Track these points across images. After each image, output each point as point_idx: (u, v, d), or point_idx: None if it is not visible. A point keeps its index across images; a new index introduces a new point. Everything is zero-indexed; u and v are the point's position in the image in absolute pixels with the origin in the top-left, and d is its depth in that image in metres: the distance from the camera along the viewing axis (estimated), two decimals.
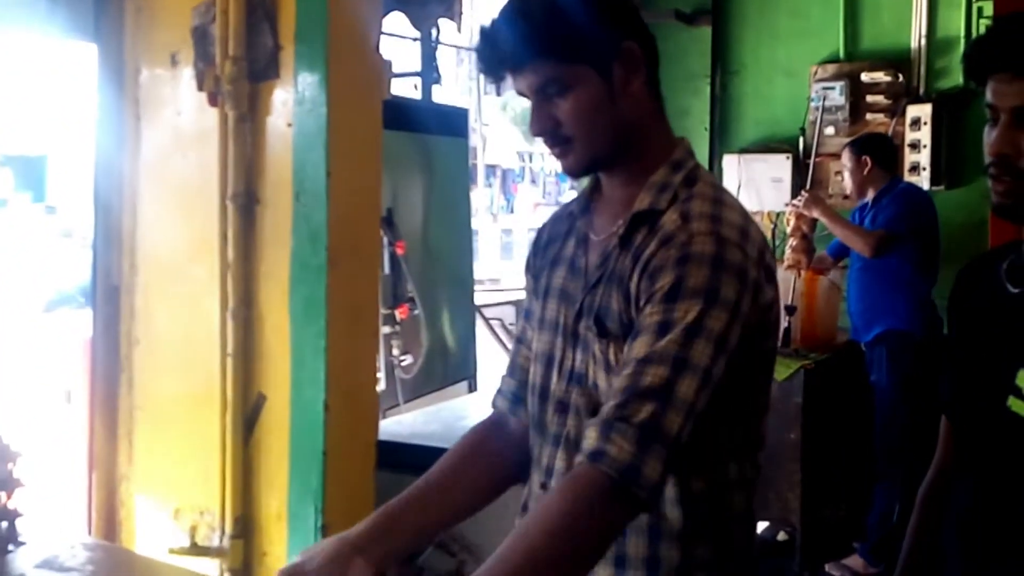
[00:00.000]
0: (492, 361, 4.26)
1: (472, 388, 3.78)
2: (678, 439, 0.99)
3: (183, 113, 2.13)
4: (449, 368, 3.76)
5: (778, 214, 4.28)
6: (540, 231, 1.29)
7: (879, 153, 3.58)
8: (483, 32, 1.14)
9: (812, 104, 4.16)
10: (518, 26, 1.11)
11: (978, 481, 1.14)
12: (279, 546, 1.98)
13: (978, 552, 1.13)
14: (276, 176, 2.00)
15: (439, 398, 3.49)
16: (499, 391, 1.32)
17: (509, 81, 1.15)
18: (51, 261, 7.12)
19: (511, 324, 4.64)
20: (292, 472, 1.98)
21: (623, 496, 0.97)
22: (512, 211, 24.76)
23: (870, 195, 3.54)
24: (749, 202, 4.40)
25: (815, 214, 3.60)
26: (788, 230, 3.72)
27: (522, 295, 5.14)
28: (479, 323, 4.31)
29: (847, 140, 4.16)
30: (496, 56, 1.14)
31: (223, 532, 2.02)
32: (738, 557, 1.14)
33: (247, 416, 2.06)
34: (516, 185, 27.51)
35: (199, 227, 2.10)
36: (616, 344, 1.09)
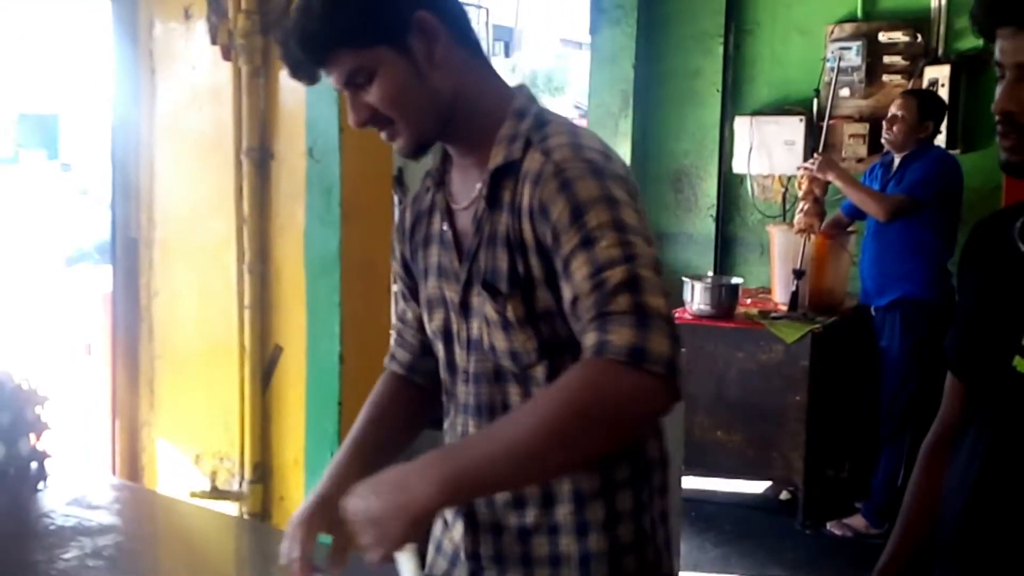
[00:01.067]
0: None
1: None
2: (669, 316, 0.97)
3: (197, 67, 2.16)
4: None
5: (789, 178, 4.28)
6: (402, 215, 1.28)
7: (940, 117, 3.49)
8: (280, 39, 1.13)
9: (827, 65, 4.14)
10: (306, 25, 1.08)
11: (984, 437, 1.14)
12: (296, 491, 2.04)
13: (983, 507, 1.14)
14: (289, 131, 2.04)
15: None
16: (392, 358, 1.34)
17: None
18: (68, 218, 7.18)
19: None
20: (309, 421, 2.04)
21: (640, 375, 0.93)
22: None
23: (902, 153, 3.46)
24: (761, 165, 4.40)
25: (829, 178, 3.56)
26: (800, 194, 3.71)
27: None
28: None
29: (863, 102, 4.16)
30: (296, 59, 1.12)
31: (242, 477, 2.09)
32: (653, 469, 1.18)
33: (265, 367, 2.12)
34: None
35: (215, 182, 2.14)
36: (513, 301, 1.09)
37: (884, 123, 3.52)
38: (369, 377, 2.12)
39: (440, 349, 1.20)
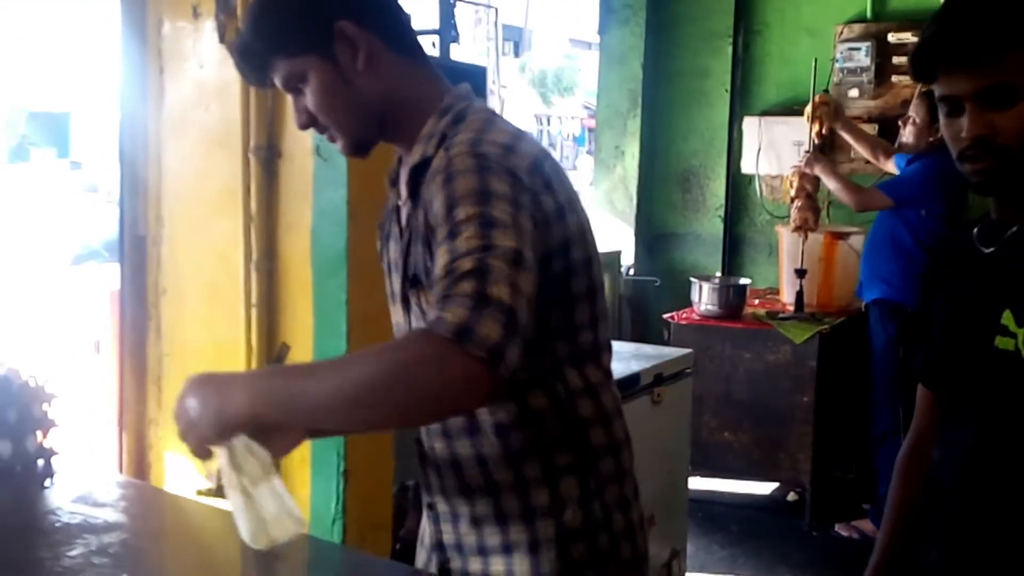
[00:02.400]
0: None
1: None
2: (512, 308, 0.96)
3: (205, 66, 2.16)
4: None
5: None
6: (382, 214, 1.34)
7: None
8: (230, 49, 1.23)
9: (836, 65, 4.13)
10: (244, 35, 1.18)
11: (974, 420, 1.22)
12: (303, 489, 2.04)
13: (976, 488, 1.20)
14: (297, 130, 2.03)
15: None
16: None
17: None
18: (77, 216, 7.22)
19: None
20: None
21: (461, 355, 0.93)
22: None
23: (913, 155, 3.44)
24: (769, 166, 4.40)
25: (816, 171, 3.56)
26: (792, 192, 3.69)
27: None
28: None
29: (871, 102, 4.15)
30: (241, 66, 1.21)
31: None
32: (601, 456, 1.20)
33: (271, 364, 2.12)
34: None
35: (223, 179, 2.14)
36: (426, 292, 1.12)
37: (899, 123, 3.51)
38: None
39: None
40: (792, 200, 3.69)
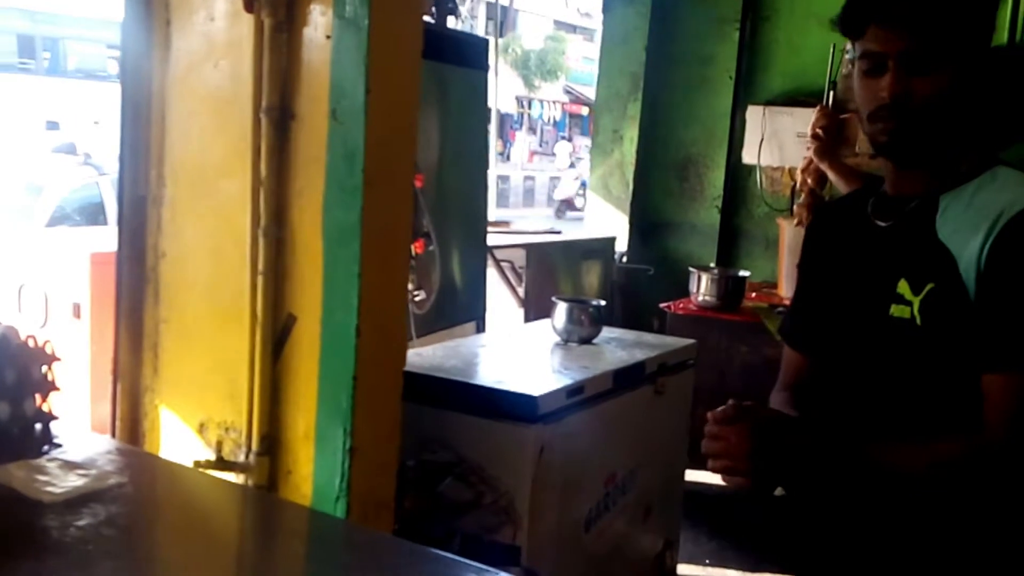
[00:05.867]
0: (500, 303, 4.23)
1: (480, 328, 3.75)
2: None
3: (216, 19, 2.06)
4: (459, 307, 3.73)
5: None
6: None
7: None
8: None
9: (847, 56, 4.08)
10: None
11: (865, 386, 1.30)
12: (305, 465, 1.97)
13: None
14: (312, 91, 1.94)
15: (447, 336, 3.47)
16: None
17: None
18: (52, 178, 7.02)
19: (521, 267, 4.61)
20: (321, 394, 1.97)
21: None
22: (508, 159, 24.43)
23: None
24: (771, 157, 4.36)
25: (823, 166, 3.50)
26: (797, 185, 3.66)
27: (533, 238, 5.06)
28: (490, 265, 4.27)
29: None
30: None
31: (249, 449, 2.01)
32: None
33: (276, 336, 2.04)
34: (514, 132, 27.13)
35: (231, 141, 2.04)
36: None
37: None
38: (385, 352, 2.06)
39: None
40: (796, 192, 3.66)
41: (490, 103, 3.91)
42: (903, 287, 1.23)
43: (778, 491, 4.05)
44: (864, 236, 1.31)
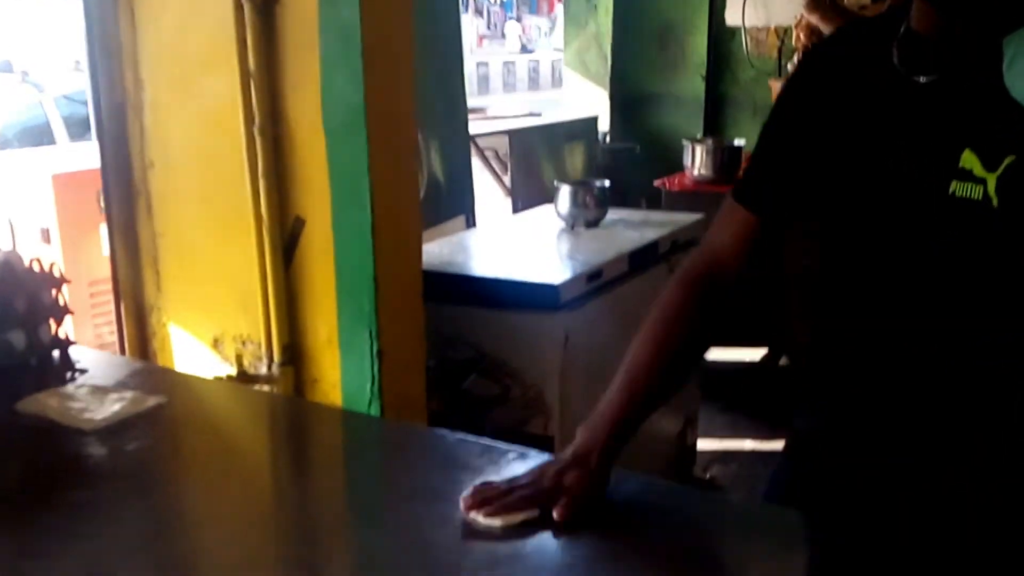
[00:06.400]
0: (488, 196, 4.11)
1: (470, 223, 3.63)
2: None
3: None
4: (447, 201, 3.61)
5: (786, 29, 4.08)
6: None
7: None
8: None
9: None
10: None
11: (909, 300, 1.01)
12: (332, 372, 1.89)
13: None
14: None
15: (437, 234, 3.37)
16: None
17: None
18: None
19: (505, 155, 4.47)
20: (340, 298, 1.87)
21: None
22: None
23: None
24: (756, 16, 4.19)
25: (813, 19, 3.27)
26: (793, 42, 3.52)
27: (515, 123, 4.86)
28: (474, 155, 4.12)
29: None
30: None
31: (271, 360, 1.93)
32: None
33: (285, 241, 1.92)
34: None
35: (211, 32, 1.87)
36: None
37: None
38: (402, 249, 1.96)
39: None
40: (791, 51, 3.52)
41: None
42: (970, 160, 0.97)
43: (784, 360, 4.02)
44: (893, 93, 1.01)
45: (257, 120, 1.86)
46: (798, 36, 3.44)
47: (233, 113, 1.87)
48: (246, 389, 1.59)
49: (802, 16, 3.41)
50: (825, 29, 3.35)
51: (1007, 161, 0.94)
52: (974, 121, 0.97)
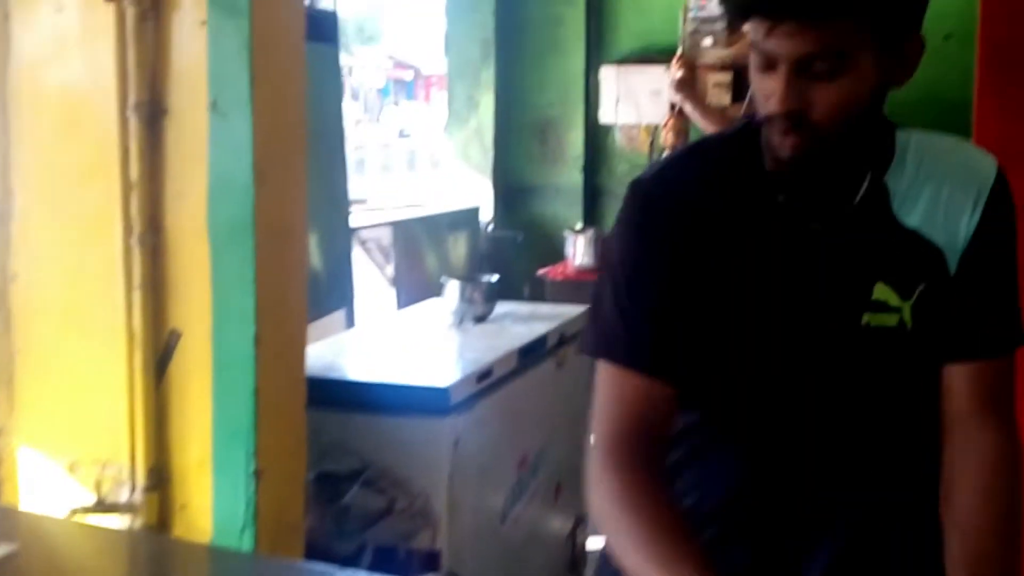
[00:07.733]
0: (369, 289, 4.06)
1: (350, 318, 3.54)
2: None
3: (65, 9, 1.80)
4: (325, 297, 3.52)
5: (656, 127, 4.29)
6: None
7: None
8: None
9: (690, 15, 4.15)
10: None
11: (812, 412, 1.06)
12: (202, 496, 1.80)
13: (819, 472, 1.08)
14: (187, 83, 1.75)
15: (313, 331, 3.29)
16: None
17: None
18: None
19: (387, 246, 4.45)
20: (216, 414, 1.80)
21: None
22: None
23: None
24: (628, 115, 4.39)
25: (676, 99, 3.38)
26: (662, 141, 3.67)
27: (397, 214, 4.83)
28: (355, 247, 4.08)
29: (725, 51, 4.20)
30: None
31: (134, 485, 1.82)
32: None
33: (158, 356, 1.84)
34: None
35: (92, 143, 1.81)
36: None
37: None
38: (287, 360, 1.91)
39: None
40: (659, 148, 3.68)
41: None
42: (884, 292, 1.01)
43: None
44: (788, 238, 1.03)
45: (137, 229, 1.80)
46: (666, 135, 3.62)
47: (110, 222, 1.81)
48: (105, 530, 1.48)
49: (669, 117, 3.59)
50: (693, 114, 3.49)
51: (920, 288, 1.02)
52: (880, 256, 1.02)
